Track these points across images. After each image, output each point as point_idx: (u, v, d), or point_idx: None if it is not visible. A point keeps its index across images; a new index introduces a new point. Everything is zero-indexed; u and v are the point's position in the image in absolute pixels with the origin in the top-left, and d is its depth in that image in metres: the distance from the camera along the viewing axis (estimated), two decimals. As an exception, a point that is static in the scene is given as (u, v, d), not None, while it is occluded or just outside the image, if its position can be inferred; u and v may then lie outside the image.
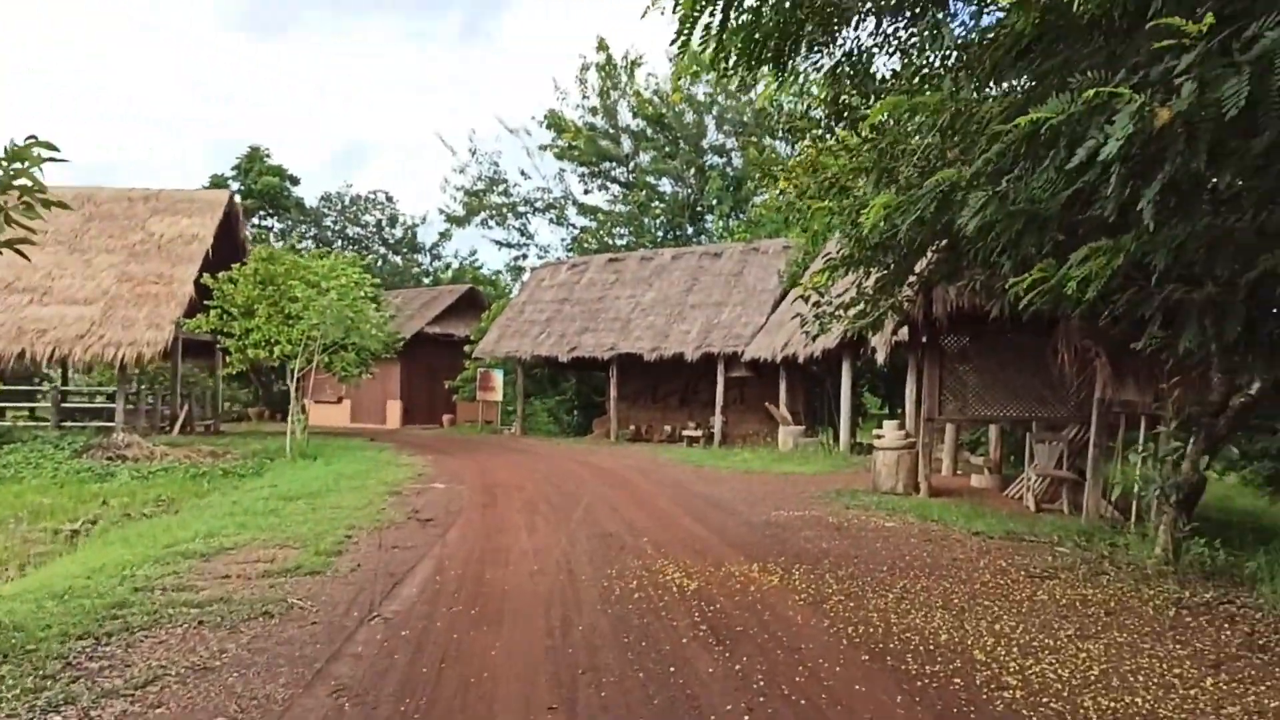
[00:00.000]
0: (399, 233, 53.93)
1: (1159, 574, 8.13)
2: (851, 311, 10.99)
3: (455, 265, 52.59)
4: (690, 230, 38.75)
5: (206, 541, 8.93)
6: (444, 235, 52.09)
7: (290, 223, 49.01)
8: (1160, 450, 9.92)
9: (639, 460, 20.13)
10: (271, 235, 47.17)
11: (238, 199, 28.28)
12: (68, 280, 24.09)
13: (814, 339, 11.18)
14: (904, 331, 16.45)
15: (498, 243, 45.31)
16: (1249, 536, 9.84)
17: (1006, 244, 6.95)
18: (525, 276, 34.71)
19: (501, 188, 43.73)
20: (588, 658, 5.38)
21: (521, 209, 43.50)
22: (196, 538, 9.14)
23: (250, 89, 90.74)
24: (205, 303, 22.33)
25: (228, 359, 22.33)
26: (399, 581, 7.30)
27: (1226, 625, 6.44)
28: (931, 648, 5.68)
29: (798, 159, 9.97)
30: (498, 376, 31.92)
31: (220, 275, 21.80)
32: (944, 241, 9.86)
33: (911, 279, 10.92)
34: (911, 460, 13.84)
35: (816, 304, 10.93)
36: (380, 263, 51.08)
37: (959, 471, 16.93)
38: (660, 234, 39.60)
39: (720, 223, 34.42)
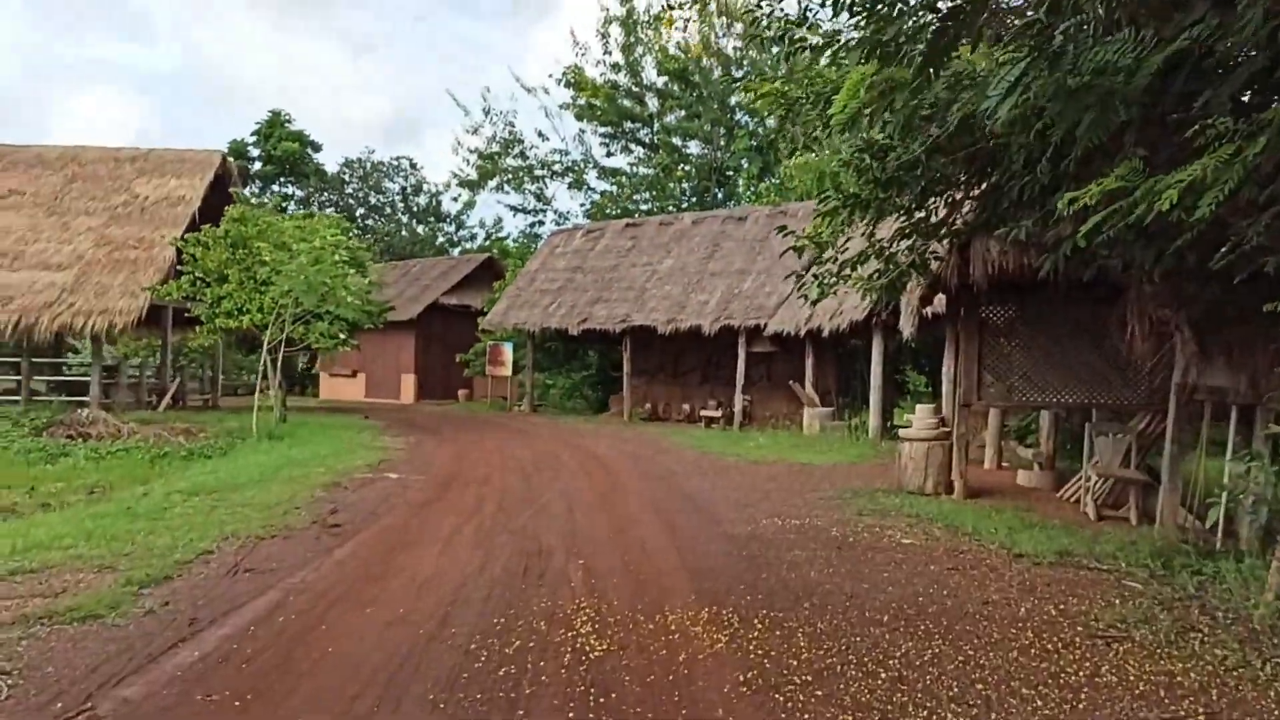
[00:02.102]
0: (423, 201, 51.98)
1: (1273, 629, 5.79)
2: (862, 270, 8.70)
3: (479, 234, 50.53)
4: (719, 194, 36.20)
5: (14, 558, 6.95)
6: (467, 205, 49.97)
7: (310, 190, 47.22)
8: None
9: (641, 445, 17.96)
10: (292, 203, 45.53)
11: (231, 160, 26.29)
12: (41, 244, 22.47)
13: (812, 304, 8.88)
14: (941, 300, 14.08)
15: (513, 208, 43.00)
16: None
17: (1057, 148, 4.65)
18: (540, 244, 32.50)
19: (517, 150, 41.37)
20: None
21: (539, 172, 41.11)
22: (13, 551, 7.16)
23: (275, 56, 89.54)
24: (178, 268, 20.49)
25: (196, 329, 20.49)
26: (191, 635, 5.20)
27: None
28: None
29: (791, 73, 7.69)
30: (508, 350, 29.89)
31: (188, 237, 19.91)
32: (974, 172, 7.59)
33: (940, 225, 8.61)
34: (944, 453, 11.52)
35: (818, 260, 8.63)
36: (401, 231, 49.18)
37: (1004, 465, 14.54)
38: (686, 199, 37.11)
39: (748, 186, 31.84)
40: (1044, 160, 6.85)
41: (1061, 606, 6.25)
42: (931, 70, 4.82)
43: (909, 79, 4.66)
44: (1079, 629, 5.71)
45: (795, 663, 4.93)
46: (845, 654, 5.09)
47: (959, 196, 8.34)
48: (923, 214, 8.35)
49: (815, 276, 8.41)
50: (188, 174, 24.76)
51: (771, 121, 34.23)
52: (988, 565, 7.53)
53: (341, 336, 19.91)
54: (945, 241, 9.21)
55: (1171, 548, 8.41)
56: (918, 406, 14.23)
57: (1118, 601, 6.41)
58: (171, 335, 25.39)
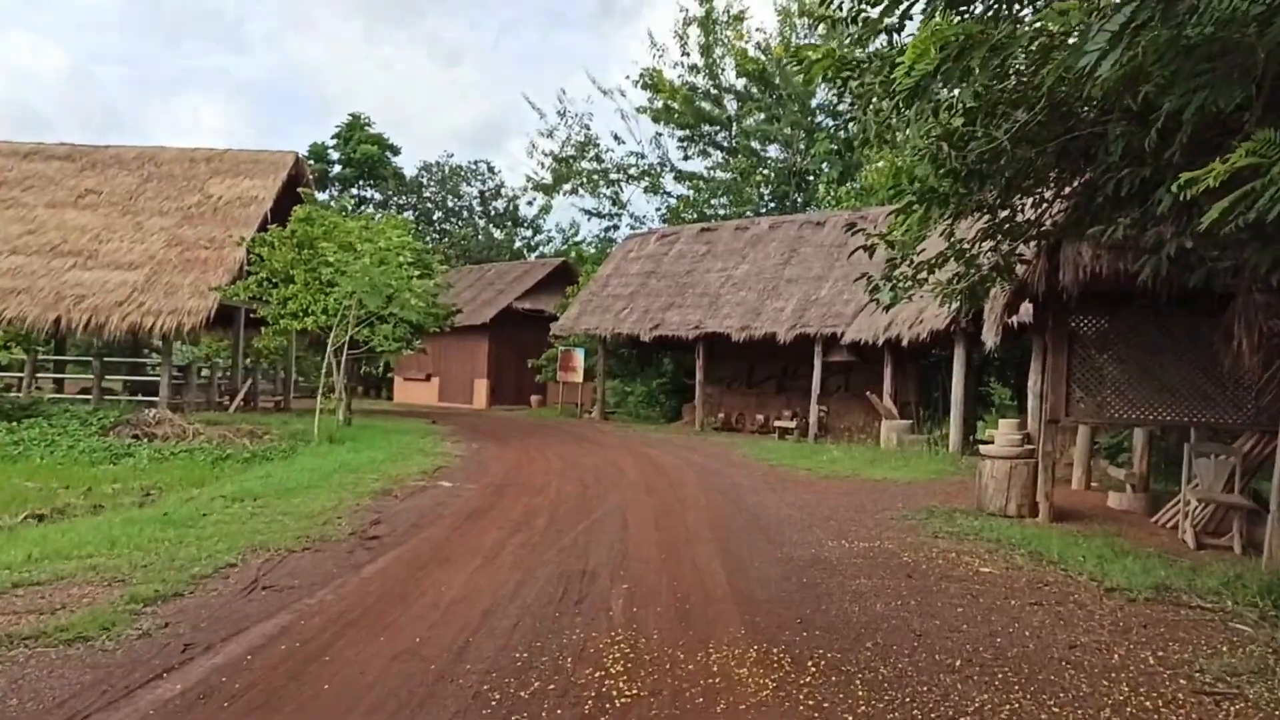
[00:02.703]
0: (501, 205, 52.04)
1: None
2: (940, 274, 8.00)
3: (556, 239, 50.35)
4: (799, 200, 35.34)
5: (25, 567, 6.65)
6: (543, 209, 49.81)
7: (389, 193, 47.58)
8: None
9: (709, 456, 17.36)
10: (370, 206, 45.90)
11: (305, 161, 26.37)
12: (115, 244, 22.69)
13: (886, 310, 8.18)
14: (1027, 309, 13.23)
15: (588, 212, 42.50)
16: None
17: (1161, 131, 4.00)
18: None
19: (593, 153, 40.97)
20: None
21: (614, 176, 40.63)
22: (28, 560, 6.88)
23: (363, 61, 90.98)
24: (246, 269, 20.51)
25: (263, 329, 20.47)
26: (180, 664, 4.76)
27: None
28: None
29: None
30: (579, 356, 29.51)
31: (256, 237, 19.90)
32: (1065, 165, 6.89)
33: (1027, 226, 7.86)
34: (1029, 472, 10.71)
35: (891, 262, 7.95)
36: (478, 235, 49.22)
37: (1093, 485, 13.59)
38: (764, 204, 36.31)
39: (828, 190, 30.97)
40: (1146, 148, 6.13)
41: (1160, 653, 5.50)
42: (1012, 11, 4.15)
43: (985, 34, 4.01)
44: (1182, 682, 4.97)
45: (850, 717, 4.31)
46: (909, 707, 4.45)
47: (1048, 194, 7.58)
48: (1007, 212, 7.64)
49: (888, 279, 7.74)
50: (260, 174, 24.86)
51: (828, 95, 33.23)
52: (1075, 600, 6.78)
53: (407, 339, 19.65)
54: (1033, 244, 8.46)
55: (1283, 584, 7.57)
56: (1001, 421, 13.41)
57: (1225, 649, 5.64)
58: (243, 336, 25.56)
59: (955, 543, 8.95)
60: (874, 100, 6.59)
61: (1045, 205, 7.74)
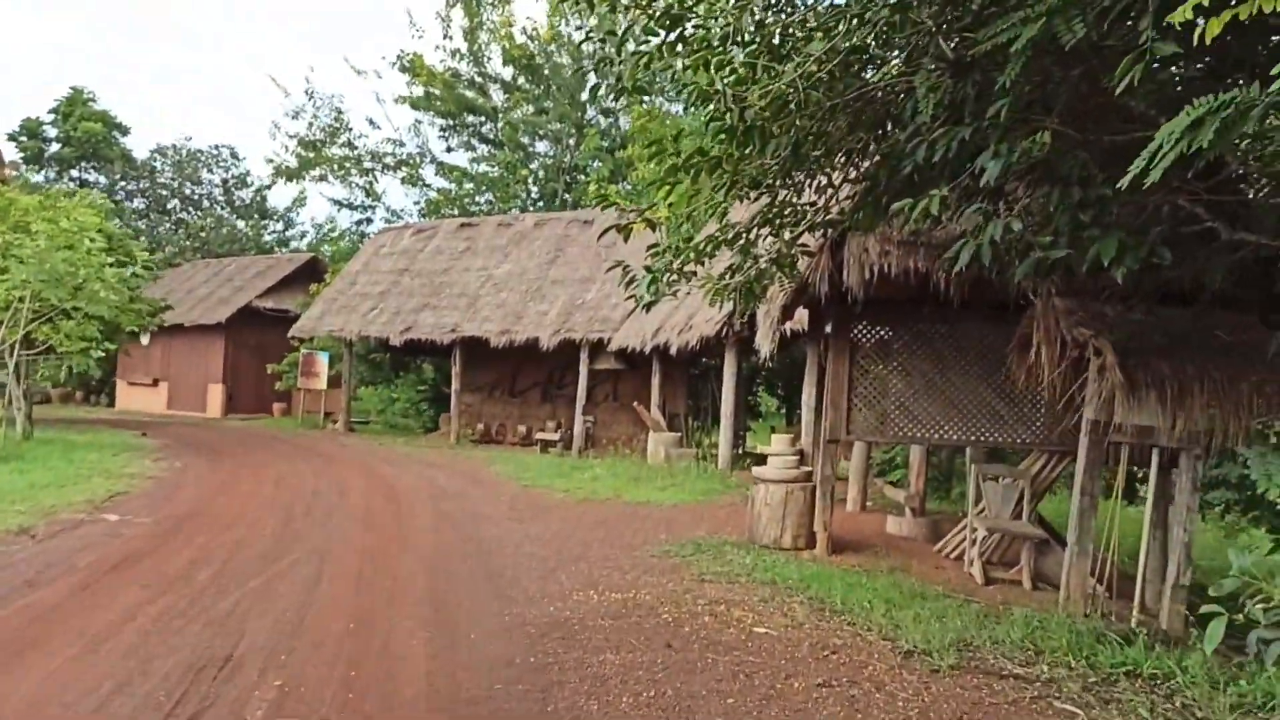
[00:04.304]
0: (247, 195, 47.67)
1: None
2: (712, 267, 6.50)
3: (311, 233, 46.51)
4: (568, 198, 33.71)
5: None
6: (297, 201, 45.92)
7: (115, 177, 42.45)
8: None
9: (457, 474, 15.41)
10: (96, 191, 40.83)
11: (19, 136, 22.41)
12: None
13: (646, 310, 6.58)
14: (802, 315, 12.13)
15: (338, 203, 39.27)
16: None
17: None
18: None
19: (345, 138, 37.69)
20: None
21: (369, 164, 37.51)
22: None
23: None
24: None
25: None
26: None
27: None
28: None
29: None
30: (323, 360, 26.80)
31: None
32: (863, 127, 5.57)
33: (813, 210, 6.48)
34: (806, 499, 9.47)
35: (653, 249, 6.36)
36: (221, 226, 44.82)
37: (869, 504, 12.67)
38: (532, 201, 34.46)
39: (597, 189, 29.47)
40: (965, 96, 4.85)
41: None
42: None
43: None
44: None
45: None
46: None
47: (838, 172, 6.22)
48: (788, 192, 6.23)
49: (649, 270, 6.13)
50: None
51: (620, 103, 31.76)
52: (870, 675, 5.39)
53: (96, 339, 16.47)
54: (820, 234, 7.13)
55: (1089, 627, 6.58)
56: (774, 437, 12.28)
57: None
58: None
59: (725, 588, 7.49)
60: (630, 27, 5.01)
61: (834, 188, 6.37)
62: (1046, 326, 7.49)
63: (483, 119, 35.21)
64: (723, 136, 5.03)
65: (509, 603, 6.79)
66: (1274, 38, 4.64)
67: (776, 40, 4.92)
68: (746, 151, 5.24)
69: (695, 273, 6.41)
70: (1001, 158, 4.50)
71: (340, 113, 38.13)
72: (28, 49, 78.89)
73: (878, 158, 5.60)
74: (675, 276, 6.33)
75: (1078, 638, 6.21)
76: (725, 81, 4.68)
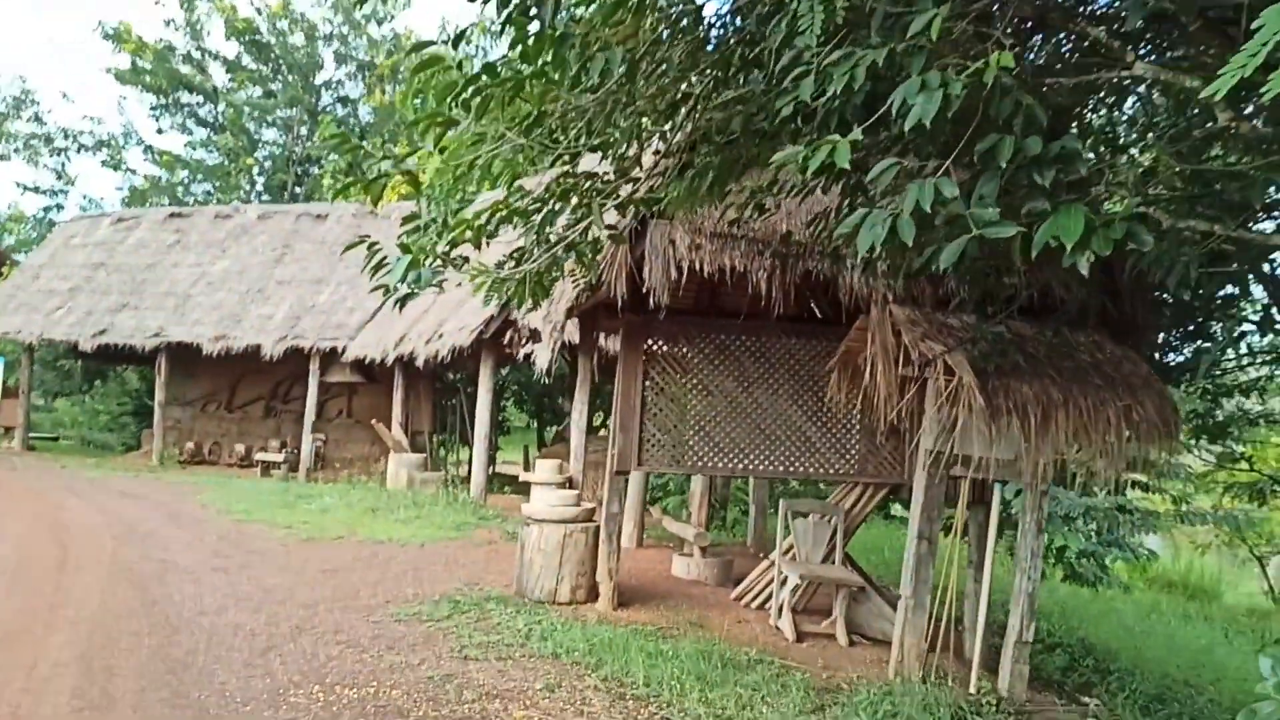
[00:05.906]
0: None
1: None
2: (486, 253, 4.77)
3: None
4: (299, 191, 30.53)
5: None
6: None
7: None
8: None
9: (154, 506, 12.65)
10: None
11: None
12: None
13: (399, 306, 4.73)
14: (571, 323, 10.55)
15: (24, 186, 33.97)
16: None
17: None
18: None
19: (31, 111, 32.67)
20: None
21: (61, 143, 32.59)
22: None
23: None
24: None
25: None
26: None
27: None
28: None
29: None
30: (-5, 367, 22.64)
31: None
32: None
33: (621, 180, 4.88)
34: (588, 542, 7.89)
35: (413, 224, 4.55)
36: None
37: (646, 539, 11.27)
38: (257, 194, 30.94)
39: (331, 181, 26.61)
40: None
41: None
42: None
43: None
44: None
45: None
46: None
47: (684, 114, 4.64)
48: (597, 145, 4.61)
49: (407, 250, 4.32)
50: None
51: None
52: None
53: None
54: (629, 211, 5.56)
55: (945, 707, 5.44)
56: (539, 462, 10.66)
57: None
58: None
59: (497, 671, 5.76)
60: None
61: (666, 143, 4.82)
62: (883, 339, 6.32)
63: (201, 99, 31.27)
64: (528, 45, 3.36)
65: (196, 716, 4.74)
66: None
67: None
68: (556, 76, 3.59)
69: (468, 258, 4.65)
70: (932, 90, 3.08)
71: (24, 82, 32.96)
72: None
73: (735, 104, 4.08)
74: (441, 262, 4.54)
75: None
76: None
